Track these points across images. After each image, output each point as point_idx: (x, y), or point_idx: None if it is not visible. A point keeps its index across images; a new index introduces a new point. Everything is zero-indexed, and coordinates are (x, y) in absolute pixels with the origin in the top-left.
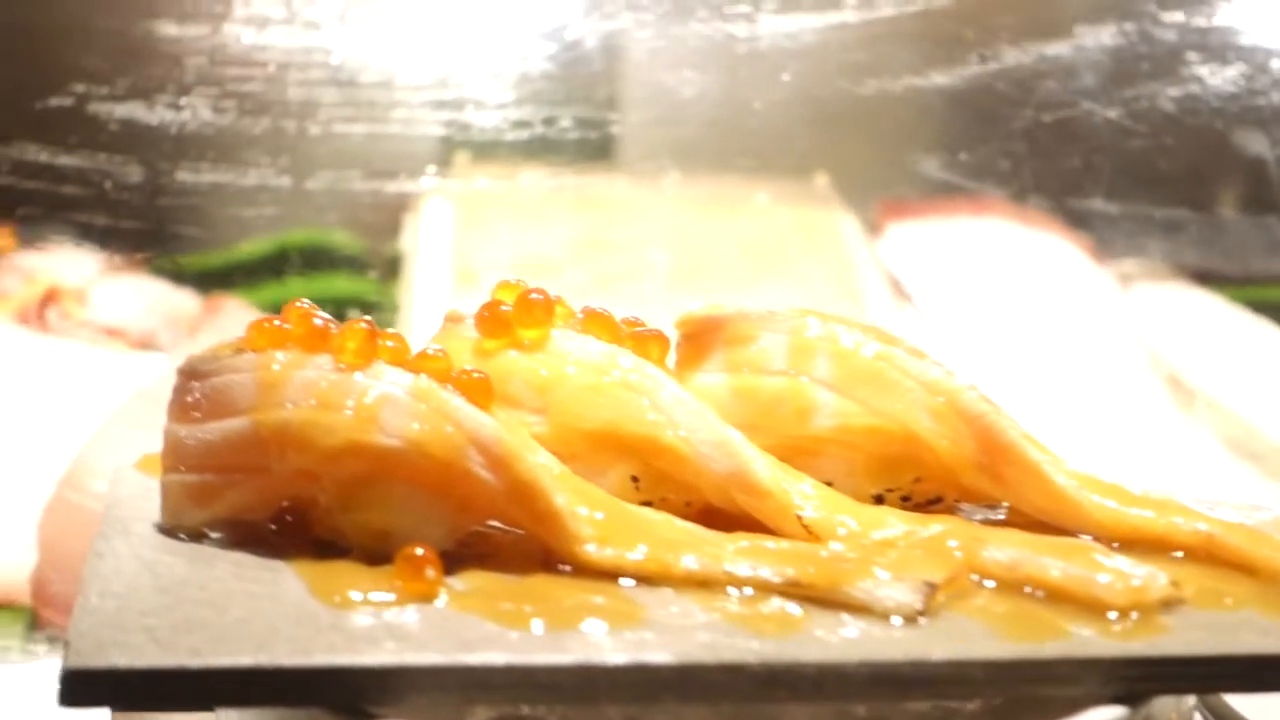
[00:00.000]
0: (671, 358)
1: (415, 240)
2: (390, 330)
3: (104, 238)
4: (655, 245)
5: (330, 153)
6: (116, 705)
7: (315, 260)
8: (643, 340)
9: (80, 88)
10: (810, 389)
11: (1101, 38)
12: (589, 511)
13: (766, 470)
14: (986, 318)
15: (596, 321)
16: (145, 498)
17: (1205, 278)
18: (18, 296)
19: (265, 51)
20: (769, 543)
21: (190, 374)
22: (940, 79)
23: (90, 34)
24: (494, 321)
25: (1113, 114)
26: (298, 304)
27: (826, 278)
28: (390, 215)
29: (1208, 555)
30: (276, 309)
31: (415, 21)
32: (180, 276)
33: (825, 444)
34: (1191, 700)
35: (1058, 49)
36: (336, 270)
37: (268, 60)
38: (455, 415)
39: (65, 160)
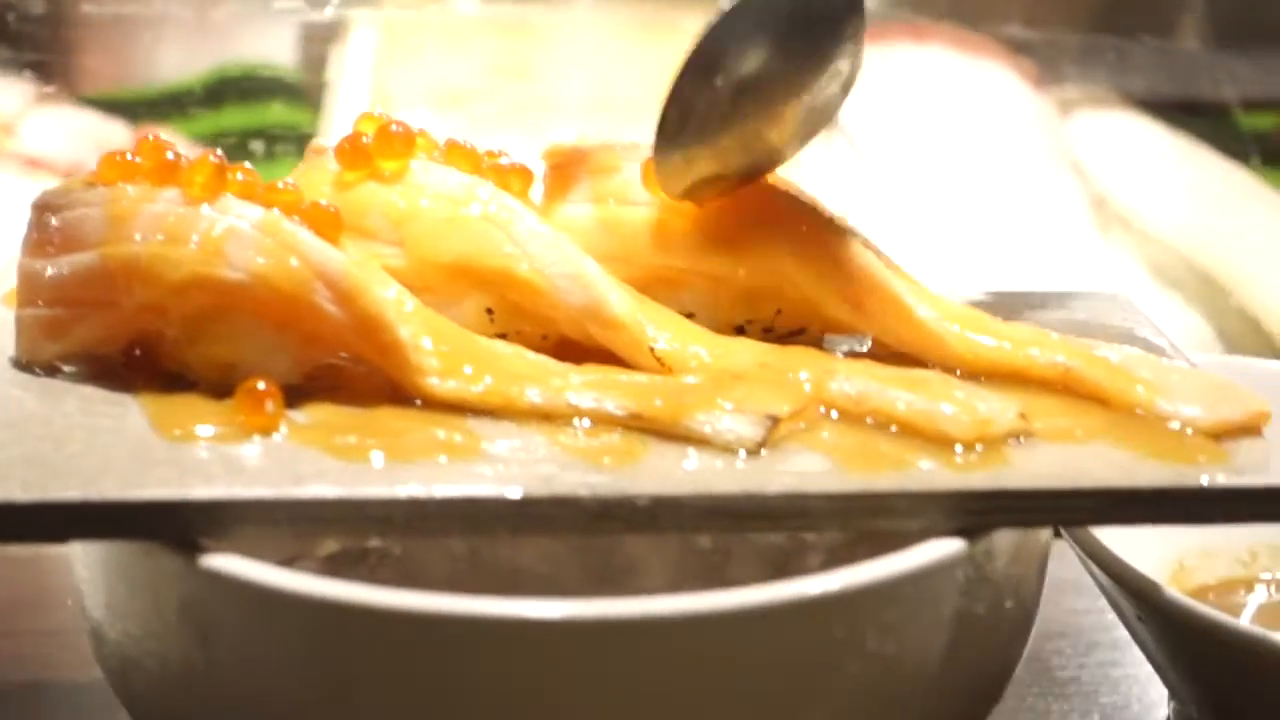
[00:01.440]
0: (540, 191)
1: (339, 69)
2: (241, 164)
3: (9, 69)
4: (577, 74)
5: None
6: None
7: (251, 90)
8: (503, 173)
9: None
10: (672, 218)
11: None
12: (434, 344)
13: (621, 302)
14: (918, 147)
15: (458, 154)
16: (4, 332)
17: (1150, 105)
18: None
19: None
20: (617, 375)
21: (44, 208)
22: None
23: None
24: (353, 153)
25: None
26: (149, 136)
27: None
28: (319, 45)
29: (1065, 388)
30: (211, 140)
31: None
32: (112, 108)
33: (686, 275)
34: (1044, 536)
35: None
36: (273, 99)
37: None
38: (301, 248)
39: None
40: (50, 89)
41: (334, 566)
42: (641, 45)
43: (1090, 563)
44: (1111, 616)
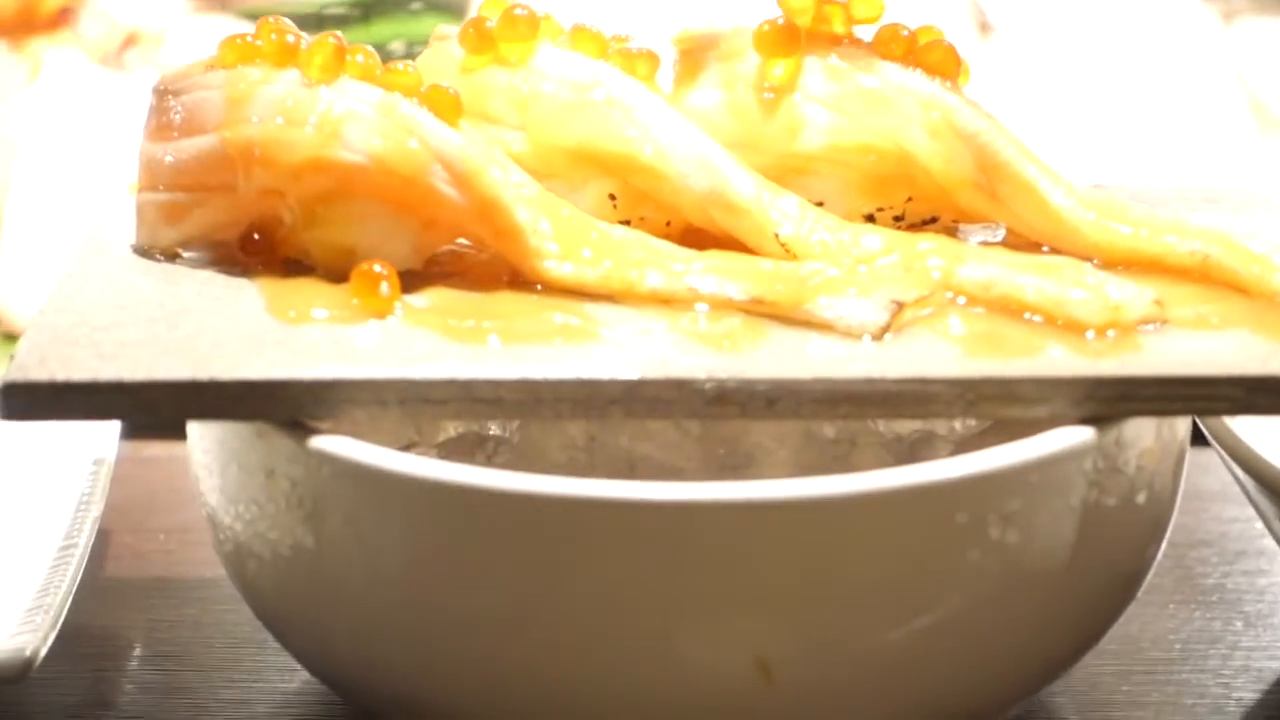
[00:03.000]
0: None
1: None
2: (361, 46)
3: None
4: None
5: None
6: (54, 417)
7: (402, 3)
8: (630, 57)
9: None
10: (802, 105)
11: None
12: (553, 228)
13: (746, 186)
14: (1072, 51)
15: (584, 38)
16: (129, 219)
17: None
18: (98, 39)
19: None
20: (740, 260)
21: (163, 92)
22: None
23: None
24: (477, 37)
25: None
26: (270, 19)
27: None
28: None
29: (1203, 276)
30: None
31: None
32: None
33: (817, 162)
34: (1180, 429)
35: None
36: (425, 12)
37: None
38: (419, 130)
39: None
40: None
41: (451, 453)
42: None
43: (1231, 462)
44: (1259, 526)
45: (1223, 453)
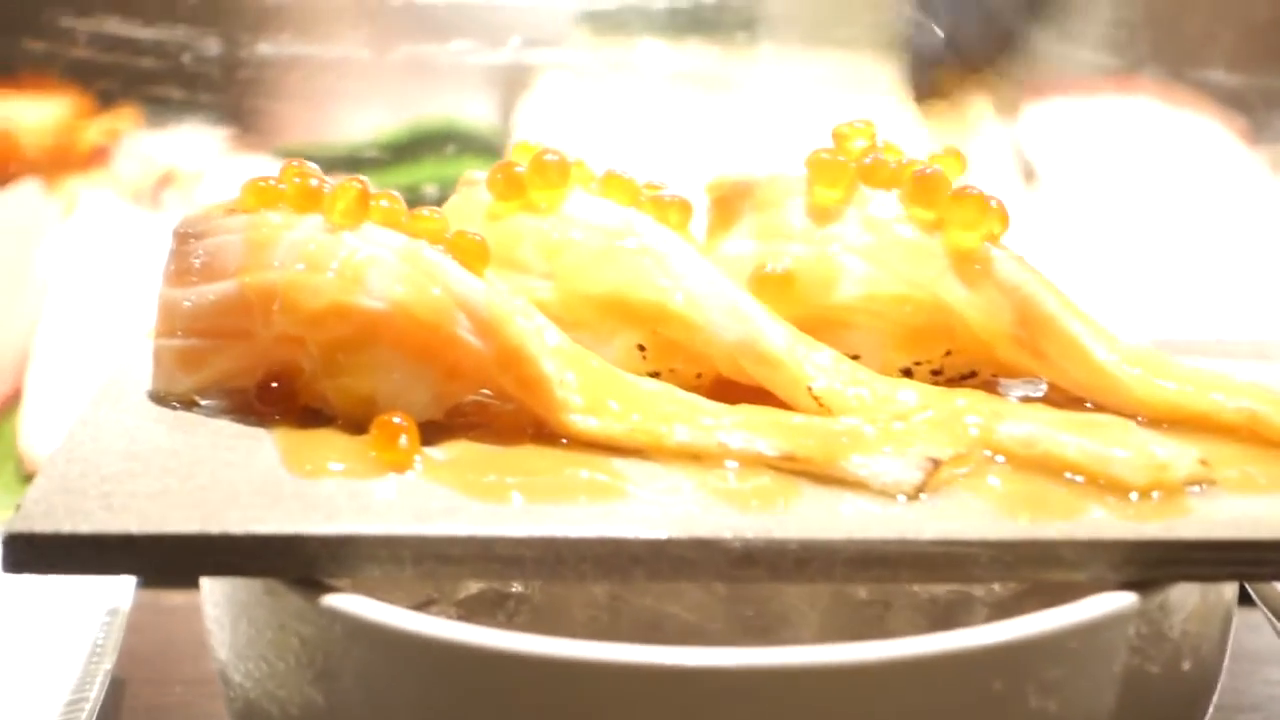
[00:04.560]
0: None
1: (524, 117)
2: (386, 191)
3: (182, 112)
4: (772, 123)
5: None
6: (58, 570)
7: (442, 142)
8: (662, 205)
9: None
10: (837, 256)
11: None
12: (579, 380)
13: (779, 337)
14: (1116, 200)
15: (615, 184)
16: (147, 365)
17: None
18: (134, 177)
19: None
20: (771, 415)
21: (184, 235)
22: None
23: None
24: (506, 183)
25: None
26: (293, 162)
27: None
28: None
29: (1251, 434)
30: (405, 194)
31: None
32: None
33: (853, 313)
34: (1227, 593)
35: None
36: (466, 151)
37: None
38: (444, 277)
39: (144, 33)
40: (238, 139)
41: (471, 611)
42: (830, 98)
43: (1274, 620)
44: None
45: (1270, 615)
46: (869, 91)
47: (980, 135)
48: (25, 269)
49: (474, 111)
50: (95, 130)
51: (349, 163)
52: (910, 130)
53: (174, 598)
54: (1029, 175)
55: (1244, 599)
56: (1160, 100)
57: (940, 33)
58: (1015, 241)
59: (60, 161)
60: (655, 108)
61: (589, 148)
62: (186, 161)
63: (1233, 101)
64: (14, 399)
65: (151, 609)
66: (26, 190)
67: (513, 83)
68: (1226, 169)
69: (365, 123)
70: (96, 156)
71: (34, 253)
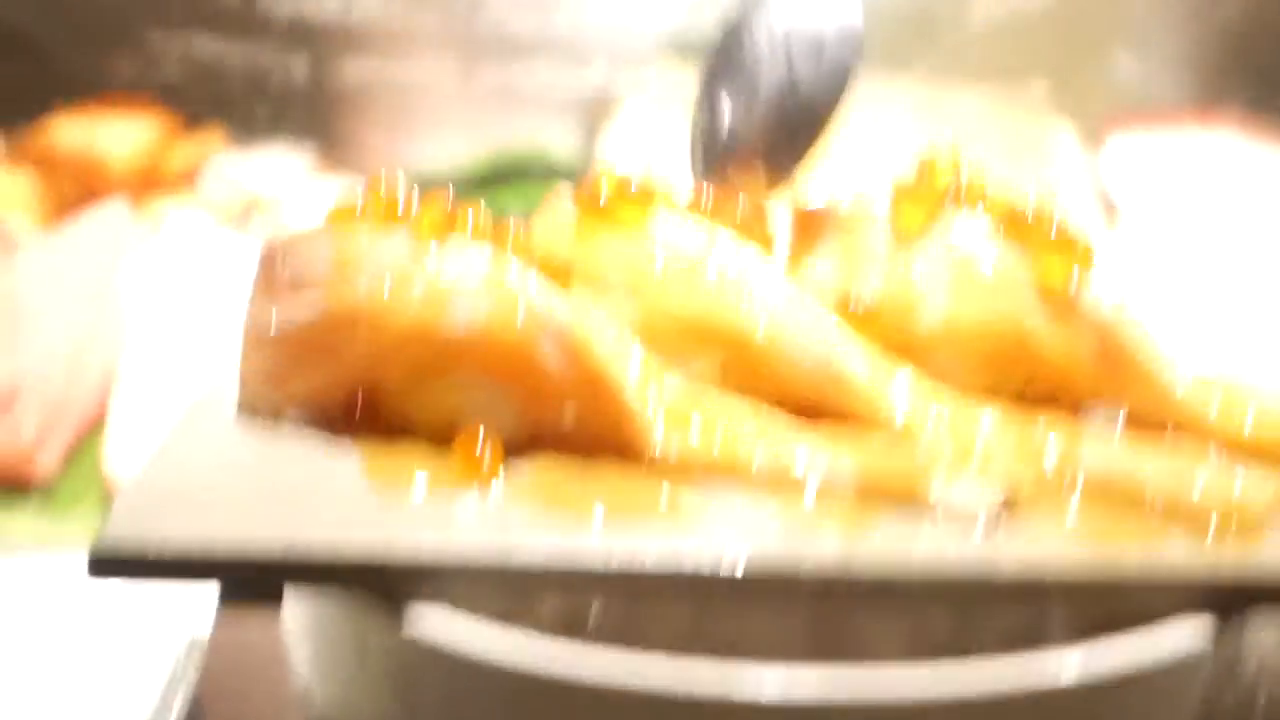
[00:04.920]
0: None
1: (608, 144)
2: (474, 208)
3: (268, 134)
4: (855, 150)
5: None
6: (145, 579)
7: (527, 171)
8: (747, 227)
9: None
10: (920, 284)
11: None
12: (661, 401)
13: (861, 364)
14: (1198, 235)
15: (700, 206)
16: (235, 382)
17: None
18: (221, 200)
19: None
20: (852, 437)
21: (271, 255)
22: None
23: None
24: (593, 202)
25: None
26: (378, 180)
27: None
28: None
29: None
30: None
31: None
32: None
33: (935, 341)
34: None
35: None
36: (551, 180)
37: None
38: (528, 300)
39: (232, 53)
40: (324, 162)
41: (552, 626)
42: (915, 123)
43: None
44: None
45: None
46: (948, 119)
47: (1062, 165)
48: (111, 288)
49: (558, 139)
50: (182, 152)
51: (433, 187)
52: (991, 161)
53: (251, 621)
54: (1110, 207)
55: None
56: (1243, 134)
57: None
58: (1097, 273)
59: (148, 182)
60: None
61: (672, 174)
62: (272, 184)
63: None
64: (99, 420)
65: (233, 626)
66: (113, 209)
67: (597, 110)
68: None
69: (450, 149)
70: (184, 178)
71: (120, 271)
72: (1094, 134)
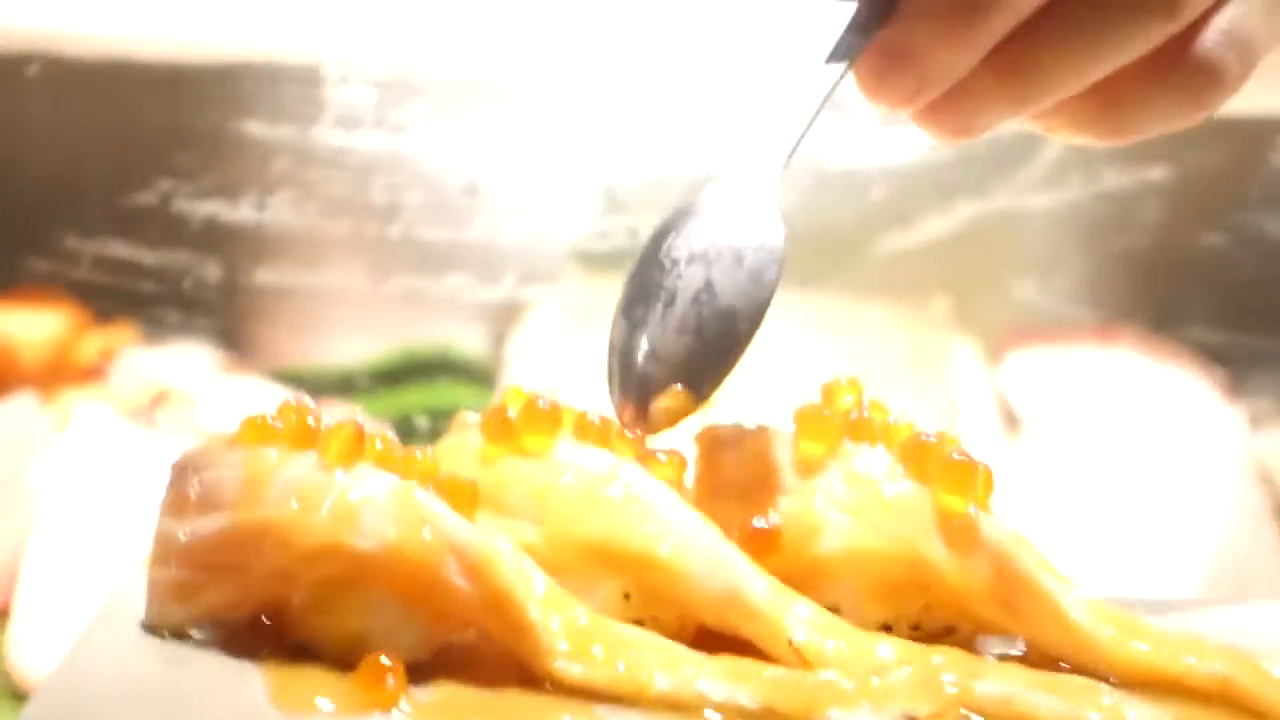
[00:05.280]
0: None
1: (516, 349)
2: (381, 432)
3: (178, 331)
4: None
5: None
6: None
7: (432, 370)
8: (652, 455)
9: (166, 184)
10: (821, 510)
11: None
12: (564, 626)
13: (761, 591)
14: (1098, 450)
15: (605, 432)
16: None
17: None
18: (129, 394)
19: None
20: (752, 666)
21: (183, 468)
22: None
23: (181, 132)
24: (498, 427)
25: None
26: (290, 400)
27: (932, 405)
28: (502, 325)
29: (1224, 699)
30: (391, 418)
31: (501, 127)
32: (296, 382)
33: (834, 566)
34: None
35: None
36: (457, 380)
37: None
38: (434, 520)
39: (147, 256)
40: (233, 360)
41: None
42: (824, 339)
43: None
44: None
45: None
46: (855, 335)
47: (965, 379)
48: (18, 481)
49: (466, 341)
50: (92, 345)
51: (341, 386)
52: (896, 375)
53: None
54: (1012, 421)
55: None
56: (1142, 353)
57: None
58: (997, 489)
59: (56, 375)
60: None
61: (579, 384)
62: (181, 380)
63: (1212, 356)
64: (3, 613)
65: None
66: (21, 403)
67: (506, 315)
68: (1206, 423)
69: (358, 348)
70: (93, 372)
71: (28, 465)
72: (995, 351)
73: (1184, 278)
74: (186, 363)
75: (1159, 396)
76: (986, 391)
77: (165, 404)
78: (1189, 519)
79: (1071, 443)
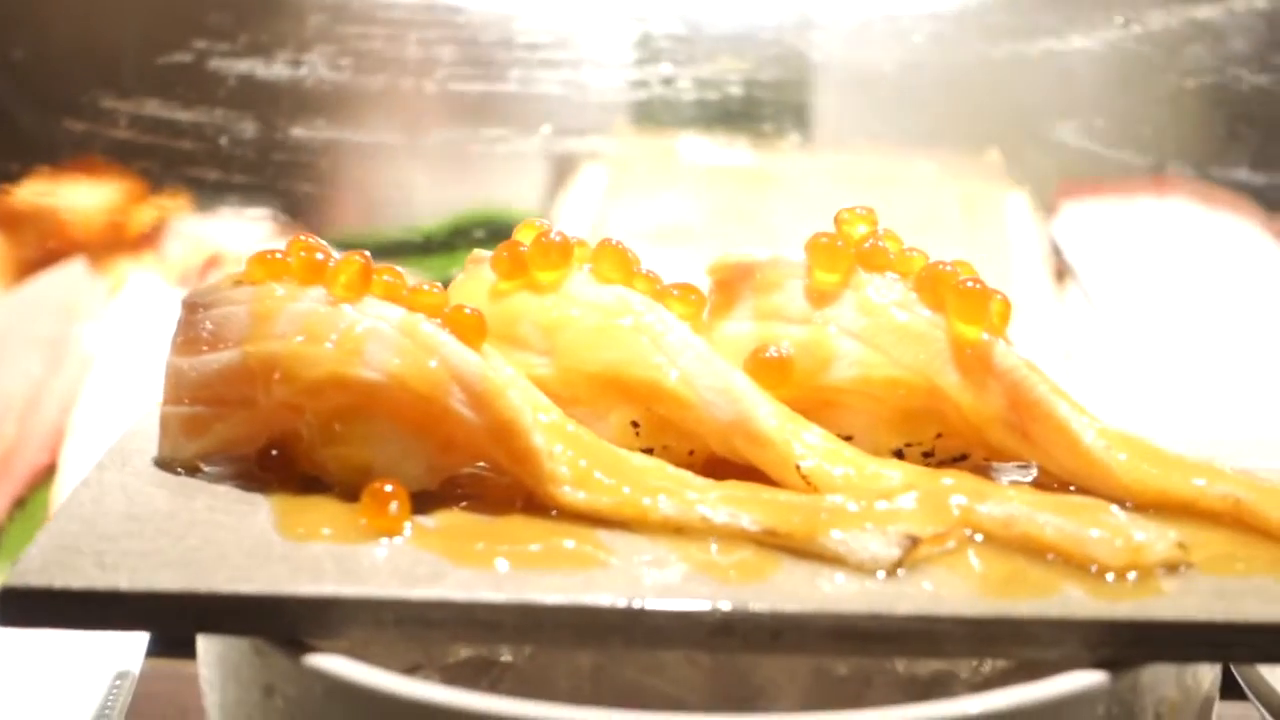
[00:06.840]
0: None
1: (566, 208)
2: (389, 266)
3: (227, 196)
4: (803, 218)
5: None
6: (50, 624)
7: (492, 233)
8: (662, 285)
9: (201, 44)
10: (833, 338)
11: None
12: (568, 453)
13: (769, 418)
14: (1152, 300)
15: (616, 263)
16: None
17: None
18: (182, 260)
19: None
20: (756, 491)
21: (192, 306)
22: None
23: None
24: (510, 262)
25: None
26: (300, 237)
27: (984, 256)
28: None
29: (1234, 520)
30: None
31: None
32: (348, 247)
33: (846, 395)
34: (1207, 678)
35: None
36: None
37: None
38: (440, 350)
39: (183, 115)
40: (287, 224)
41: (456, 677)
42: (871, 192)
43: (1267, 714)
44: None
45: (1260, 706)
46: (908, 186)
47: (1017, 233)
48: (69, 344)
49: (517, 201)
50: (145, 215)
51: (393, 249)
52: (950, 224)
53: (188, 665)
54: (1064, 275)
55: (1238, 693)
56: (1195, 201)
57: None
58: (1049, 340)
59: (110, 243)
60: (696, 201)
61: (629, 239)
62: (232, 245)
63: (1260, 199)
64: (50, 471)
65: (167, 677)
66: (73, 269)
67: (556, 173)
68: (1262, 270)
69: (411, 211)
70: (146, 239)
71: (78, 329)
72: (1048, 203)
73: (1232, 120)
74: (236, 228)
75: (1213, 246)
76: (1038, 242)
77: (216, 268)
78: (1243, 368)
79: (1125, 292)
